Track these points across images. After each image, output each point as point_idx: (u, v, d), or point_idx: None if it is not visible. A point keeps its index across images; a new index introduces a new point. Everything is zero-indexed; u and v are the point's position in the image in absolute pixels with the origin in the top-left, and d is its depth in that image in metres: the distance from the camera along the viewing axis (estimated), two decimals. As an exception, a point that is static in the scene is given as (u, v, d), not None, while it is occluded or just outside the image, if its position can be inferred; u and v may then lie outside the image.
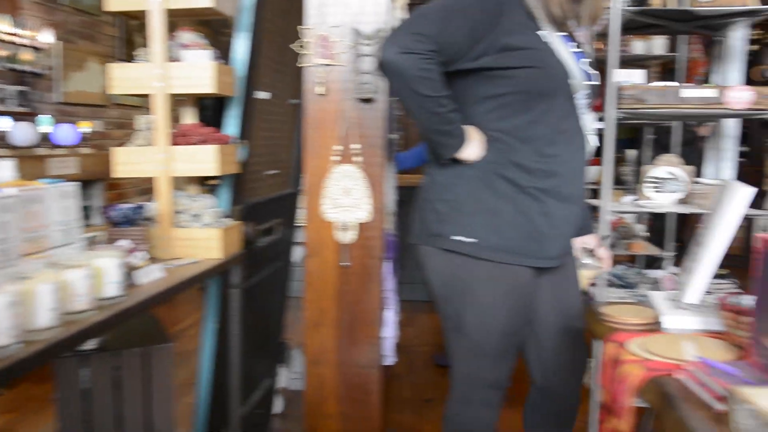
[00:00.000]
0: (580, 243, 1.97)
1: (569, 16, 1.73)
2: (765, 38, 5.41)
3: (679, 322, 1.58)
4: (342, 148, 2.29)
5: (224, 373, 2.16)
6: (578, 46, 1.80)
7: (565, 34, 1.76)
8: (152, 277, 1.66)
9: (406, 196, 4.30)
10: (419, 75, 1.65)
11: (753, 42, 5.30)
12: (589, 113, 1.83)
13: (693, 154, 4.64)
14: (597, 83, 1.84)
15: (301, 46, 2.27)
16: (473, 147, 1.73)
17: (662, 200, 2.77)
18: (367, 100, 2.28)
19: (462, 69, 1.72)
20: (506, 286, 1.76)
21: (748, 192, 1.55)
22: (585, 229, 1.97)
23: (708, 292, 1.70)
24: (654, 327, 1.59)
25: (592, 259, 1.97)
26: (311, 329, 2.35)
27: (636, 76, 3.15)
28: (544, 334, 1.85)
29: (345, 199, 2.30)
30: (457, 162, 1.75)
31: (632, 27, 2.98)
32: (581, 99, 1.77)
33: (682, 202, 2.79)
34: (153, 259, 1.83)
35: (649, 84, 2.83)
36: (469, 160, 1.74)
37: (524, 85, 1.69)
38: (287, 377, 3.17)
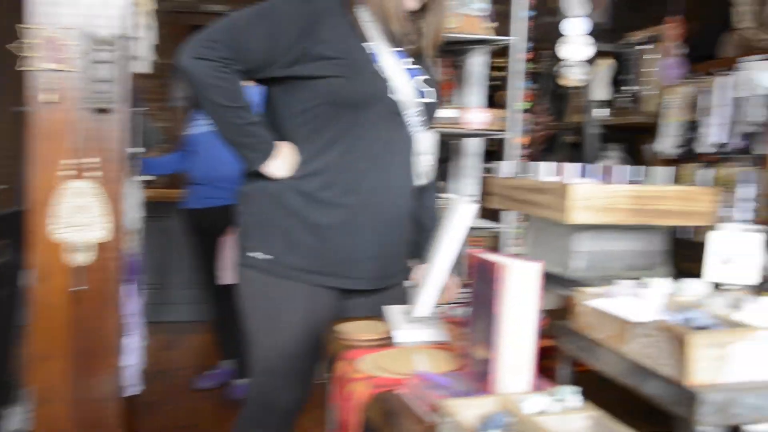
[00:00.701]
0: (423, 270, 1.94)
1: (409, 33, 1.71)
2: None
3: (409, 335, 1.61)
4: (75, 161, 2.10)
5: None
6: (414, 63, 1.77)
7: (399, 49, 1.73)
8: None
9: (158, 211, 4.11)
10: (211, 83, 1.58)
11: (500, 69, 5.79)
12: (424, 132, 1.80)
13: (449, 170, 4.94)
14: (432, 101, 1.81)
15: (23, 48, 2.05)
16: (280, 163, 1.67)
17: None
18: (103, 110, 2.11)
19: (276, 77, 1.67)
20: (301, 305, 1.72)
21: (470, 208, 1.63)
22: (423, 259, 1.94)
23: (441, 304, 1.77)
24: (388, 342, 1.61)
25: None
26: (39, 363, 2.12)
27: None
28: None
29: (78, 217, 2.11)
30: (263, 174, 1.69)
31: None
32: (412, 117, 1.74)
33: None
34: None
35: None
36: (275, 176, 1.68)
37: (330, 95, 1.66)
38: (20, 418, 2.84)
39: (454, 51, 3.19)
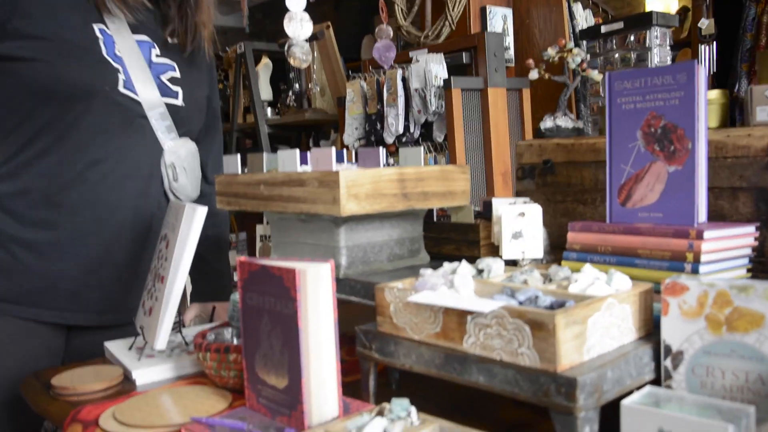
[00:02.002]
0: (194, 311, 1.60)
1: (166, 17, 1.45)
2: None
3: (150, 374, 1.30)
4: None
5: None
6: (165, 56, 1.48)
7: (145, 38, 1.44)
8: None
9: None
10: None
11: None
12: (174, 140, 1.48)
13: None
14: (180, 104, 1.50)
15: None
16: None
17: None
18: None
19: None
20: (5, 344, 1.40)
21: (201, 213, 1.37)
22: (201, 295, 1.62)
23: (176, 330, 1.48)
24: (124, 387, 1.28)
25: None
26: None
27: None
28: None
29: None
30: None
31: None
32: (156, 121, 1.44)
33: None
34: None
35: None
36: None
37: (35, 83, 1.33)
38: None
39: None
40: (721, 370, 0.87)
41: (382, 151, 1.32)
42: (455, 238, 1.46)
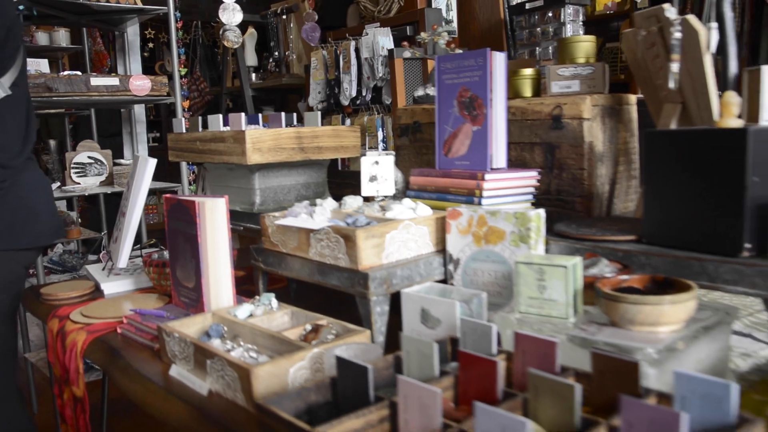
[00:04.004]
0: None
1: None
2: (160, 37, 5.96)
3: (115, 286, 1.72)
4: None
5: None
6: None
7: None
8: None
9: None
10: None
11: (151, 40, 5.80)
12: None
13: (114, 141, 4.84)
14: None
15: None
16: None
17: (88, 183, 2.88)
18: None
19: None
20: None
21: (152, 163, 1.77)
22: None
23: (139, 256, 1.89)
24: (94, 295, 1.70)
25: None
26: None
27: (43, 66, 3.16)
28: None
29: None
30: None
31: (32, 17, 2.96)
32: None
33: (105, 183, 2.94)
34: None
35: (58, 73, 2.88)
36: None
37: None
38: None
39: (107, 21, 3.18)
40: (482, 271, 1.26)
41: (284, 115, 1.70)
42: (352, 182, 1.85)
